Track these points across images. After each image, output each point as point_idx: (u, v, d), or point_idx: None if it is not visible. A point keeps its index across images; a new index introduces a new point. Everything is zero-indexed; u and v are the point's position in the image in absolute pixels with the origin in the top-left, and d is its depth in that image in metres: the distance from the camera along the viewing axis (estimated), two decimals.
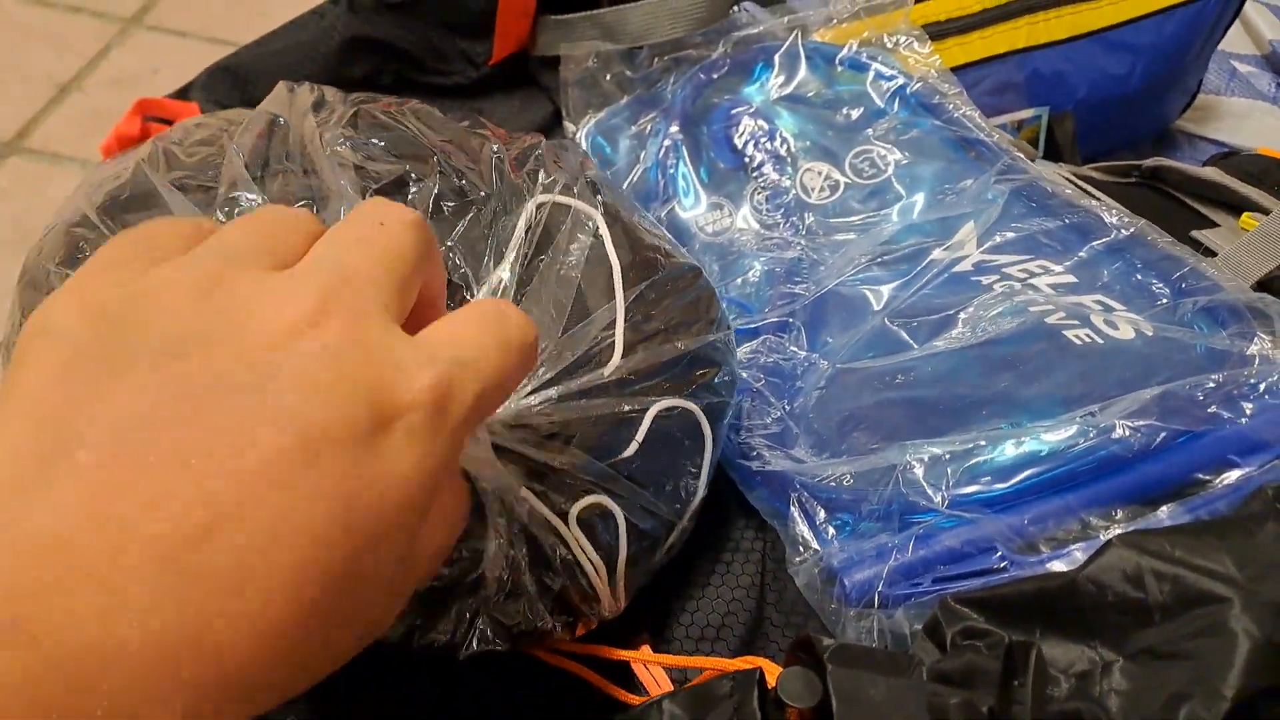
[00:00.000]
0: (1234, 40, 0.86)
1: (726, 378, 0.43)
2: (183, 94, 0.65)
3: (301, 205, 0.38)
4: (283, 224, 0.27)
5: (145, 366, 0.21)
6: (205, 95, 0.64)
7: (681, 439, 0.40)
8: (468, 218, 0.39)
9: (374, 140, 0.40)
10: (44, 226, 0.41)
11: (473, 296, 0.37)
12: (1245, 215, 0.59)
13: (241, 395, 0.21)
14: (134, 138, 0.61)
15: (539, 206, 0.40)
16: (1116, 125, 0.79)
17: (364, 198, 0.38)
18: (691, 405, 0.40)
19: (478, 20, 0.67)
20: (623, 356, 0.38)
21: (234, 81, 0.65)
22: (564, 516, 0.36)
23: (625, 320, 0.39)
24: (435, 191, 0.39)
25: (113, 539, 0.19)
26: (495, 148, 0.42)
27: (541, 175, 0.41)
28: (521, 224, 0.39)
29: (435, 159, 0.40)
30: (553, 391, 0.36)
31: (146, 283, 0.24)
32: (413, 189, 0.39)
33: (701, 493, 0.42)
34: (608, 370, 0.37)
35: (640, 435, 0.38)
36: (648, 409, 0.38)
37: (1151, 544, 0.30)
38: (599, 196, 0.41)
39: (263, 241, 0.26)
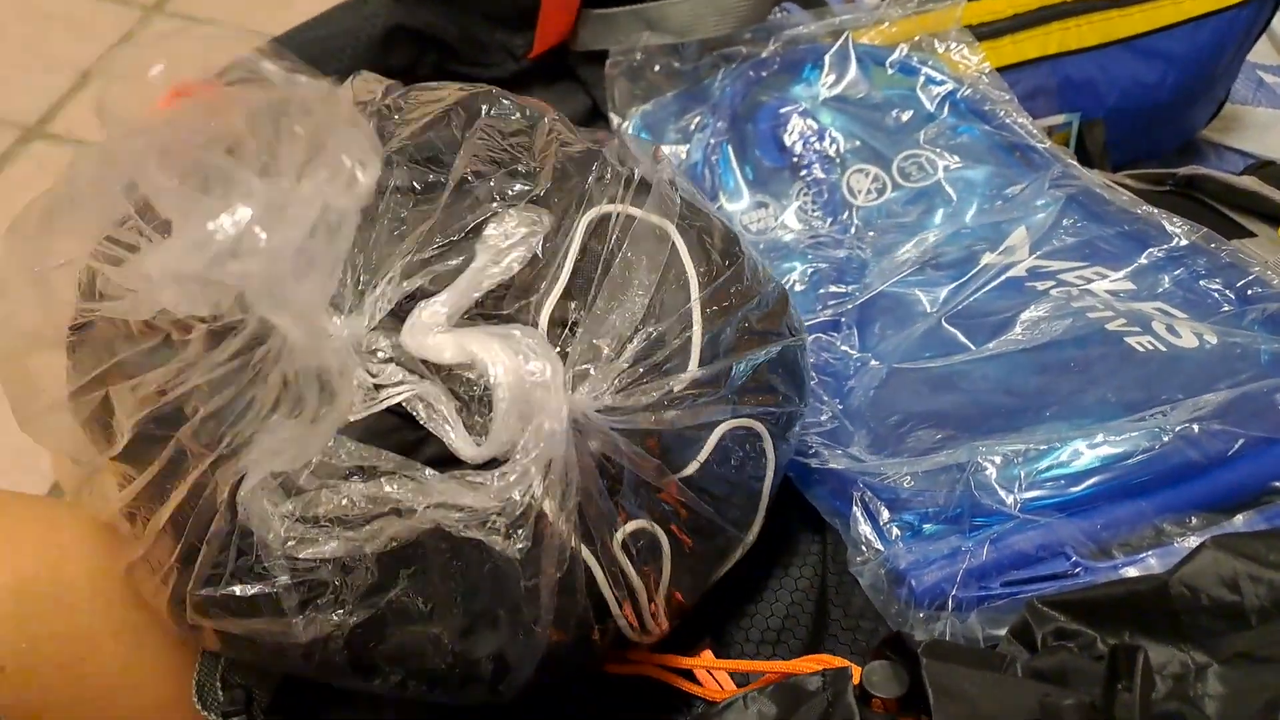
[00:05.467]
0: (1261, 51, 0.87)
1: (796, 387, 0.42)
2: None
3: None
4: None
5: None
6: None
7: (745, 457, 0.39)
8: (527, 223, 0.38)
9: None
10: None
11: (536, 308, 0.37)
12: None
13: None
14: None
15: (602, 217, 0.39)
16: (1145, 133, 0.79)
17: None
18: (758, 425, 0.39)
19: (520, 13, 0.67)
20: (697, 368, 0.37)
21: None
22: (606, 543, 0.36)
23: (700, 331, 0.37)
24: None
25: None
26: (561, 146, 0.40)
27: (604, 179, 0.40)
28: (579, 236, 0.38)
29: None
30: (624, 392, 0.35)
31: None
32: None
33: (764, 512, 0.41)
34: (678, 386, 0.36)
35: (704, 455, 0.37)
36: (714, 427, 0.37)
37: (1246, 548, 0.30)
38: (677, 197, 0.40)
39: None
